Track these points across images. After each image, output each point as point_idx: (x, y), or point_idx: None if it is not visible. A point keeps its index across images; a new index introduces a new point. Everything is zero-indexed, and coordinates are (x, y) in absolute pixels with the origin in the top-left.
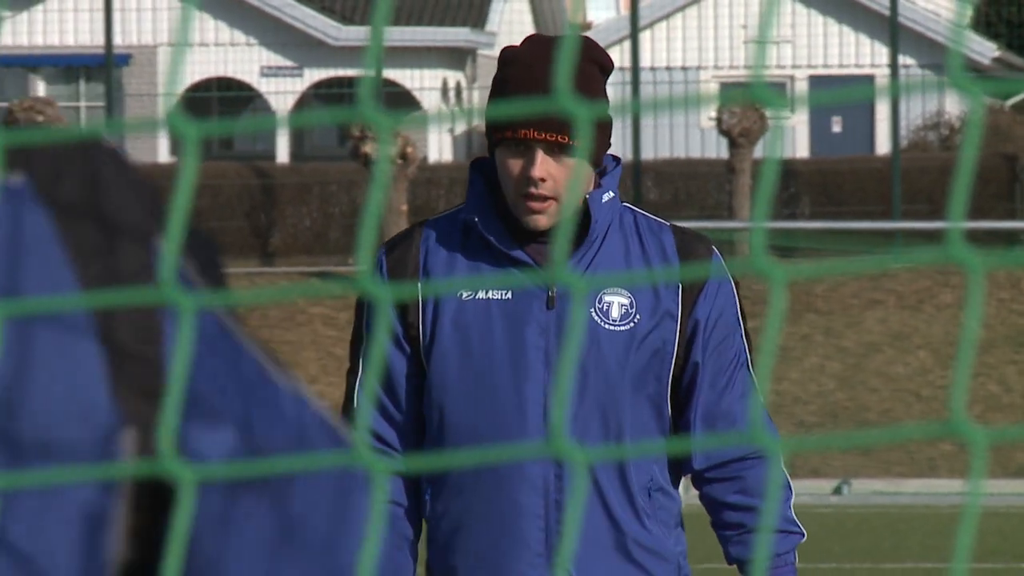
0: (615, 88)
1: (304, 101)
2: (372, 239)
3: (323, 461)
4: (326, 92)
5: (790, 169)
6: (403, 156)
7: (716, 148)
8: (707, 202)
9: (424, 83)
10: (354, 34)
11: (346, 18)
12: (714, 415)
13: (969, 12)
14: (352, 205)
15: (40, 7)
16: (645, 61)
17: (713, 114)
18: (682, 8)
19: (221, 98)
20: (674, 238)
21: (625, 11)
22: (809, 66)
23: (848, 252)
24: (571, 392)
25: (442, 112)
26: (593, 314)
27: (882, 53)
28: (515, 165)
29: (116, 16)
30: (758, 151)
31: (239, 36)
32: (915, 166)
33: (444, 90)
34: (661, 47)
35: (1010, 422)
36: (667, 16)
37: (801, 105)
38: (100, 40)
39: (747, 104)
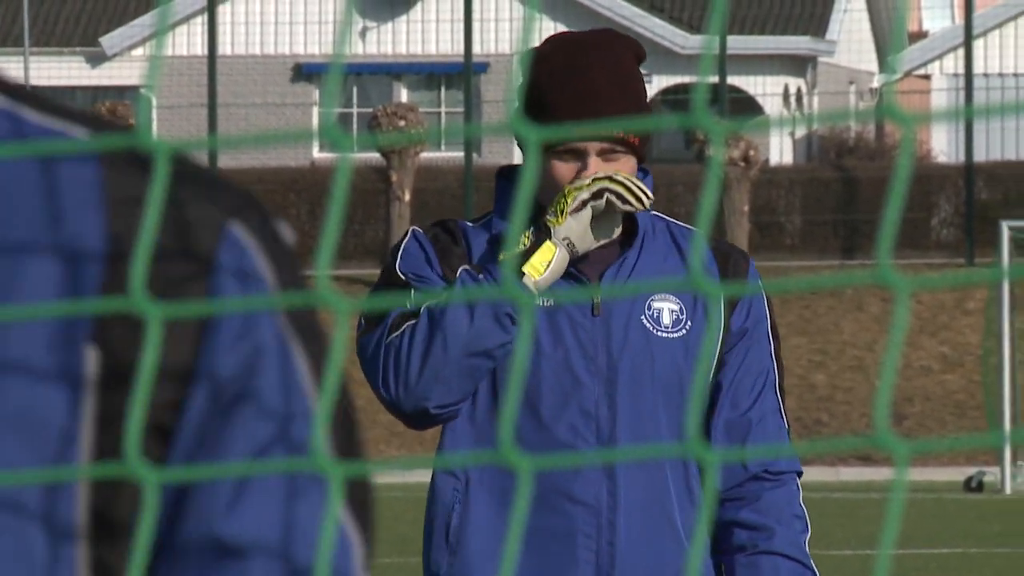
0: (949, 93)
1: (653, 106)
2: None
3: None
4: (673, 98)
5: None
6: (745, 159)
7: None
8: None
9: (767, 89)
10: (701, 43)
11: (693, 27)
12: (734, 430)
13: None
14: (696, 205)
15: (404, 18)
16: (978, 67)
17: None
18: (1015, 17)
19: None
20: (708, 245)
21: (960, 20)
22: None
23: None
24: (628, 400)
25: (783, 117)
26: (644, 321)
27: None
28: (567, 171)
29: (475, 26)
30: None
31: None
32: None
33: (785, 95)
34: (994, 54)
35: None
36: (1000, 24)
37: None
38: (460, 49)
39: None
